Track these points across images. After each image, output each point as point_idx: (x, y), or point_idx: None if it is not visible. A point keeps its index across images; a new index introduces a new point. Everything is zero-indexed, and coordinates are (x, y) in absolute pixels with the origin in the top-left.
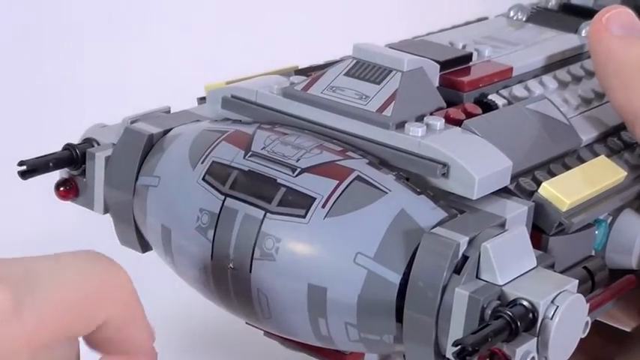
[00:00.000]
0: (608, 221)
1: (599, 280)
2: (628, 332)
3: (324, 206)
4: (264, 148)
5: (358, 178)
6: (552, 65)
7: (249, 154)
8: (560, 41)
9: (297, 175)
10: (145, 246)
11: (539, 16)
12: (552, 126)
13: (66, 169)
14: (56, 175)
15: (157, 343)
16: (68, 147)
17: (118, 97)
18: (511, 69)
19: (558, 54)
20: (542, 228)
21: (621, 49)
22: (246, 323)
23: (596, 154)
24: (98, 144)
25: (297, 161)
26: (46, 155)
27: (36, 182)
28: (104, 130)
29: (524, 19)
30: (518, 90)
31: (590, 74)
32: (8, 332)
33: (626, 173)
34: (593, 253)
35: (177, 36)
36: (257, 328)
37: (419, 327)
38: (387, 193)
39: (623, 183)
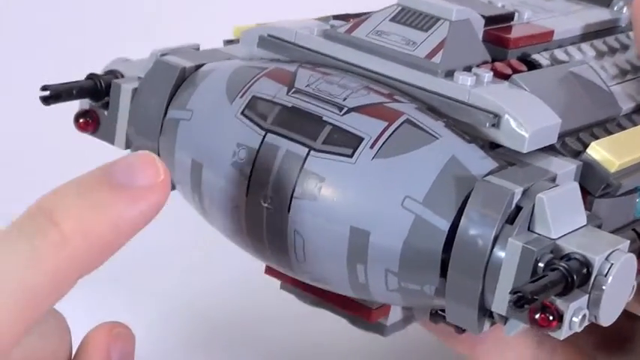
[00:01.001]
0: None
1: None
2: (625, 331)
3: (372, 147)
4: (308, 85)
5: (408, 121)
6: (589, 35)
7: (292, 91)
8: (594, 13)
9: (344, 114)
10: None
11: None
12: (594, 91)
13: (87, 101)
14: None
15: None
16: (92, 77)
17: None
18: (552, 32)
19: (594, 24)
20: (588, 189)
21: None
22: (265, 273)
23: (635, 124)
24: (122, 76)
25: (344, 100)
26: (69, 82)
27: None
28: (128, 64)
29: None
30: (559, 53)
31: (625, 48)
32: None
33: None
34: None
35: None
36: (276, 277)
37: (465, 278)
38: (437, 138)
39: None
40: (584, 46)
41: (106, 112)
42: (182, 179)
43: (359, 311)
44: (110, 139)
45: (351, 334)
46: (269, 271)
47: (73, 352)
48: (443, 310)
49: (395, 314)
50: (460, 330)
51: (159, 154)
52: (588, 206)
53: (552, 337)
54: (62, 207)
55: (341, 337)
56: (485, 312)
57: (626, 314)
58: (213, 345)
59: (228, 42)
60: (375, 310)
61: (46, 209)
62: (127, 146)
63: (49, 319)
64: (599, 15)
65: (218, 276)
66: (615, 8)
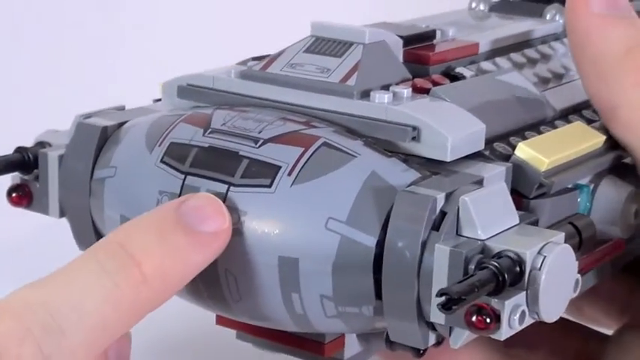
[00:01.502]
0: (591, 187)
1: (587, 237)
2: (596, 353)
3: (290, 174)
4: (224, 124)
5: (325, 144)
6: (519, 45)
7: (209, 131)
8: (525, 24)
9: (260, 146)
10: None
11: (501, 6)
12: (524, 96)
13: (18, 175)
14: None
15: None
16: (19, 150)
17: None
18: (477, 44)
19: (524, 34)
20: (522, 192)
21: (601, 30)
22: (216, 323)
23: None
24: (50, 146)
25: (259, 133)
26: None
27: None
28: (56, 134)
29: (486, 10)
30: (485, 65)
31: (559, 54)
32: None
33: (605, 137)
34: None
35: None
36: (229, 327)
37: (399, 291)
38: (356, 156)
39: (601, 148)
40: (514, 55)
41: (37, 185)
42: None
43: (311, 347)
44: (44, 209)
45: None
46: (220, 320)
47: None
48: None
49: (351, 347)
50: (418, 353)
51: (91, 216)
52: (525, 210)
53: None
54: (142, 246)
55: None
56: (427, 325)
57: (596, 336)
58: (211, 346)
59: (157, 100)
60: (327, 344)
61: (126, 246)
62: (62, 214)
63: None
64: (532, 24)
65: None
66: (548, 17)
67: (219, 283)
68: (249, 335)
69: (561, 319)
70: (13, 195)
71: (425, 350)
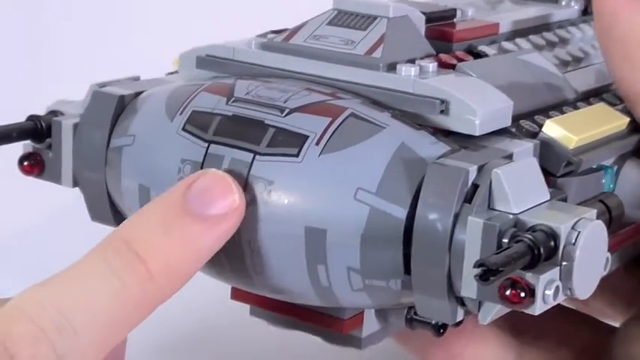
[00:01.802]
0: (615, 169)
1: (617, 215)
2: (602, 346)
3: (317, 143)
4: (247, 93)
5: (352, 115)
6: (538, 27)
7: (232, 100)
8: (542, 8)
9: (286, 115)
10: (119, 220)
11: None
12: (546, 76)
13: (30, 144)
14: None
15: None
16: (32, 118)
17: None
18: (497, 24)
19: (542, 17)
20: (550, 170)
21: (628, 12)
22: (231, 298)
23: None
24: (63, 115)
25: (284, 102)
26: (8, 125)
27: None
28: (68, 104)
29: None
30: (506, 45)
31: (576, 39)
32: None
33: (629, 119)
34: None
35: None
36: (244, 301)
37: (429, 265)
38: (384, 127)
39: (625, 130)
40: (533, 37)
41: (50, 154)
42: (132, 206)
43: (330, 323)
44: (57, 179)
45: None
46: (235, 295)
47: None
48: (417, 314)
49: (370, 325)
50: (438, 332)
51: (106, 186)
52: (552, 188)
53: (534, 353)
54: (148, 242)
55: None
56: (456, 300)
57: (603, 328)
58: (206, 345)
59: (170, 74)
60: (347, 320)
61: (132, 243)
62: (75, 184)
63: None
64: (548, 9)
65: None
66: (563, 3)
67: (242, 253)
68: (265, 310)
69: (569, 309)
70: (25, 163)
71: (445, 330)
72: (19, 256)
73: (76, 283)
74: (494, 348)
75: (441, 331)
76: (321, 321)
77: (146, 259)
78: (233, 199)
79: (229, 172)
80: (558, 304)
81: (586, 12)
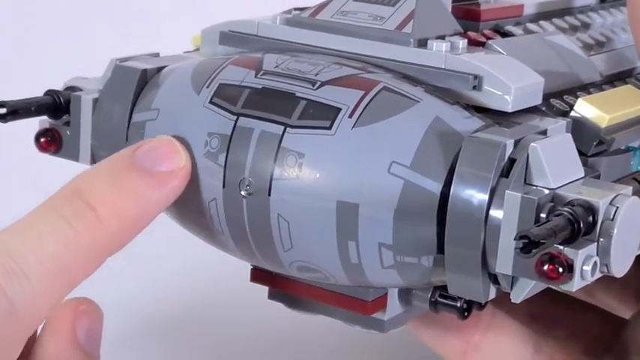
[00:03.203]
0: None
1: None
2: (613, 335)
3: (351, 116)
4: (277, 66)
5: (385, 88)
6: (560, 11)
7: (261, 73)
8: None
9: (317, 88)
10: None
11: None
12: (573, 57)
13: (47, 120)
14: None
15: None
16: (50, 93)
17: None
18: (522, 6)
19: (564, 1)
20: (580, 148)
21: None
22: (251, 280)
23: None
24: (82, 90)
25: (315, 75)
26: (27, 99)
27: None
28: (86, 80)
29: None
30: (531, 26)
31: (597, 24)
32: (6, 331)
33: None
34: None
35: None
36: (263, 284)
37: (463, 240)
38: (418, 101)
39: None
40: (556, 20)
41: (67, 131)
42: None
43: (353, 305)
44: (74, 156)
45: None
46: (255, 276)
47: (39, 330)
48: (442, 296)
49: (393, 308)
50: (463, 315)
51: None
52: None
53: (550, 342)
54: (97, 192)
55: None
56: (489, 277)
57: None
58: (186, 329)
59: (188, 52)
60: (370, 302)
61: (82, 192)
62: (93, 161)
63: None
64: None
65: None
66: None
67: (269, 228)
68: (284, 293)
69: (579, 300)
70: (42, 140)
71: (470, 313)
72: None
73: (25, 230)
74: (512, 338)
75: (466, 314)
76: (344, 303)
77: (95, 206)
78: (179, 157)
79: (260, 144)
80: (567, 296)
81: None
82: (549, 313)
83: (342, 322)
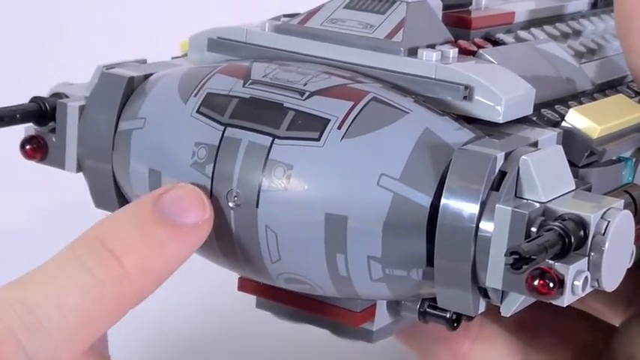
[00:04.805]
0: (633, 161)
1: None
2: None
3: (339, 127)
4: (265, 76)
5: (375, 99)
6: (551, 18)
7: (249, 82)
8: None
9: (306, 98)
10: None
11: None
12: (564, 66)
13: (32, 127)
14: None
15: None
16: (36, 99)
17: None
18: (513, 13)
19: (555, 8)
20: (571, 159)
21: None
22: (238, 289)
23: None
24: (68, 97)
25: (304, 85)
26: (12, 106)
27: None
28: (72, 87)
29: None
30: (522, 34)
31: (588, 31)
32: None
33: None
34: None
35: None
36: (251, 293)
37: (453, 254)
38: (408, 112)
39: None
40: (547, 27)
41: (53, 138)
42: (140, 192)
43: (342, 316)
44: (60, 163)
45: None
46: (243, 286)
47: None
48: (431, 306)
49: (381, 318)
50: (452, 325)
51: (112, 171)
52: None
53: (539, 351)
54: (122, 241)
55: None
56: (479, 291)
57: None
58: (211, 338)
59: (176, 58)
60: (359, 312)
61: (106, 241)
62: (79, 169)
63: None
64: (558, 1)
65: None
66: None
67: (257, 240)
68: (272, 302)
69: (570, 307)
70: (27, 147)
71: (459, 324)
72: (19, 256)
73: (46, 280)
74: (500, 349)
75: (455, 325)
76: (332, 313)
77: (120, 257)
78: (203, 210)
79: (248, 155)
80: None
81: (595, 5)
82: (538, 320)
83: (330, 332)
